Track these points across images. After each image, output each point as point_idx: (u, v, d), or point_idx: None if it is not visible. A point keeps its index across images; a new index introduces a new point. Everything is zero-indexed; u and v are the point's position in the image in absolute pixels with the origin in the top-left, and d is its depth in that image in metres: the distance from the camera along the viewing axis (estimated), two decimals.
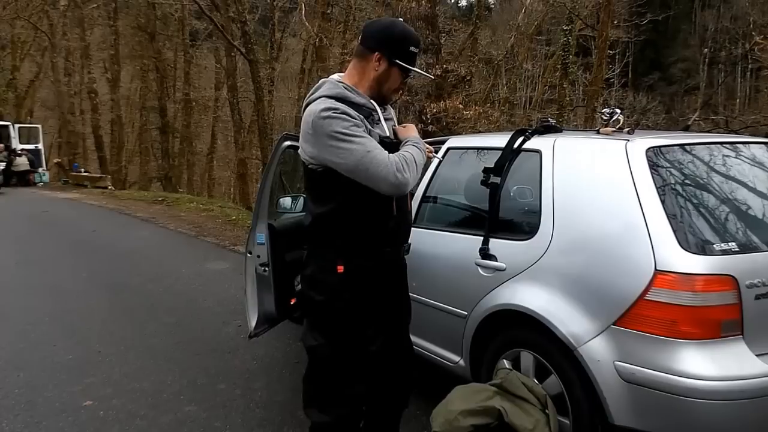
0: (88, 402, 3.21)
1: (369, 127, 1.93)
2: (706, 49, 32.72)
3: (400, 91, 2.15)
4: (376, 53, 1.96)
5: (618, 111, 2.67)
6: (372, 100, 1.99)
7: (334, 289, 1.96)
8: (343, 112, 1.85)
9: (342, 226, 1.96)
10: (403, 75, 2.01)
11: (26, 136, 21.42)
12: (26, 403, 3.19)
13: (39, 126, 23.11)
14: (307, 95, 2.03)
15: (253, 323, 3.26)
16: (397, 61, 1.95)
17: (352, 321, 1.99)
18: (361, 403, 2.08)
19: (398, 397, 2.30)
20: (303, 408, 2.11)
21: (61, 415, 3.06)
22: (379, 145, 1.88)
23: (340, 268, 1.94)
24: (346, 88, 1.96)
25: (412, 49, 1.97)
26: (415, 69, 1.99)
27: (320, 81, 2.07)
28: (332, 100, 1.89)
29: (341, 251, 1.97)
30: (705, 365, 1.95)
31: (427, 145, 2.28)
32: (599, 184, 2.34)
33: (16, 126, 21.29)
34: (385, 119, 2.05)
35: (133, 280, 6.05)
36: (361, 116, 1.91)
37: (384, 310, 2.10)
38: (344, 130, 1.83)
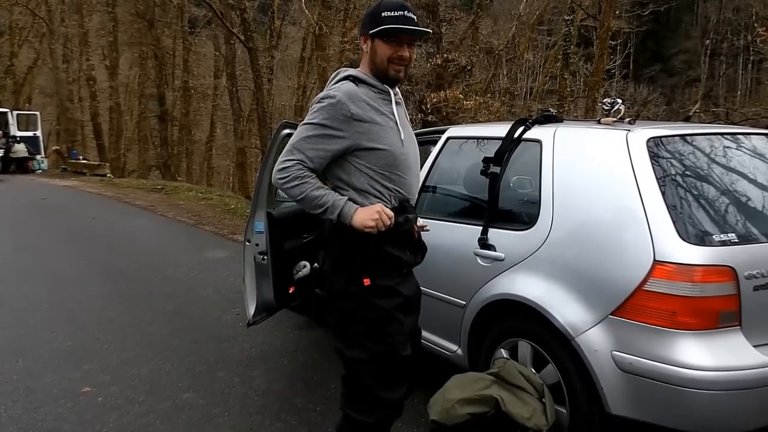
0: (87, 388, 3.22)
1: (377, 106, 1.96)
2: (707, 41, 32.57)
3: (403, 62, 1.99)
4: (361, 37, 2.01)
5: (619, 101, 2.66)
6: (383, 84, 2.00)
7: (363, 299, 1.94)
8: (339, 101, 1.89)
9: (363, 240, 1.94)
10: (390, 41, 1.93)
11: (24, 123, 21.31)
12: (25, 389, 3.20)
13: (37, 113, 22.99)
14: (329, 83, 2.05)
15: (252, 311, 3.26)
16: (372, 31, 1.93)
17: (384, 329, 1.95)
18: (400, 405, 2.03)
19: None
20: (342, 407, 2.06)
21: (60, 401, 3.07)
22: (316, 143, 1.89)
23: (366, 281, 1.93)
24: (362, 72, 2.01)
25: (386, 13, 1.91)
26: (391, 27, 1.89)
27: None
28: (348, 83, 1.95)
29: (366, 265, 1.95)
30: (703, 356, 1.96)
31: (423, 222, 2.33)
32: (599, 175, 2.34)
33: (15, 113, 21.17)
34: (396, 102, 2.04)
35: (131, 267, 6.05)
36: (375, 95, 1.97)
37: (410, 313, 2.07)
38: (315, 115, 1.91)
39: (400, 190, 1.98)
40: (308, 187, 1.89)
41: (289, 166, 1.90)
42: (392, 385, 1.97)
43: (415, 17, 1.96)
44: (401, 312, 1.97)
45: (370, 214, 1.86)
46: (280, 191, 3.45)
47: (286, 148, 1.95)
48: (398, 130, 1.98)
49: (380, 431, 2.02)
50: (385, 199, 1.95)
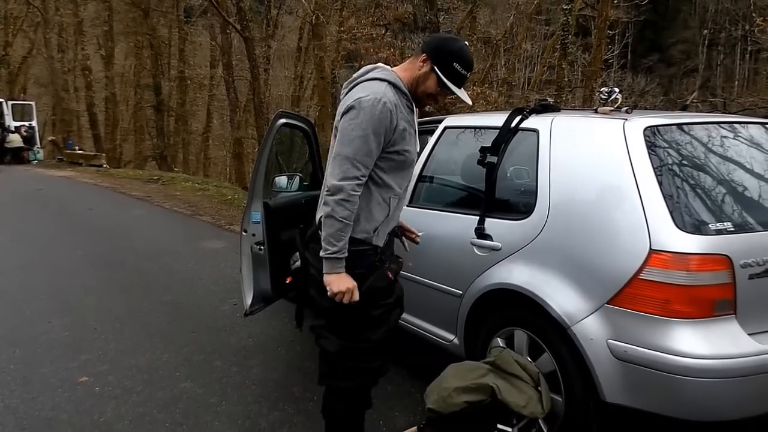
0: (84, 378, 3.22)
1: (406, 114, 2.04)
2: (705, 31, 32.47)
3: (434, 102, 2.21)
4: (424, 54, 2.06)
5: (616, 90, 2.65)
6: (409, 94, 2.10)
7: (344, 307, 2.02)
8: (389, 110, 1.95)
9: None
10: (439, 84, 2.05)
11: (20, 113, 21.13)
12: (22, 379, 3.21)
13: (33, 103, 22.82)
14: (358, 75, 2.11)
15: (249, 301, 3.26)
16: (436, 68, 2.02)
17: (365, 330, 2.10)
18: (378, 375, 2.20)
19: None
20: (319, 380, 2.19)
21: (57, 390, 3.08)
22: (369, 155, 1.94)
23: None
24: (398, 79, 2.07)
25: (456, 66, 2.02)
26: (448, 83, 2.03)
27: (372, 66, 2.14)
28: (388, 87, 2.00)
29: None
30: (698, 344, 1.97)
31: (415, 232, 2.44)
32: (596, 164, 2.34)
33: (10, 103, 21.02)
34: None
35: (128, 258, 6.04)
36: (404, 104, 2.04)
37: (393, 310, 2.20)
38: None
39: (399, 189, 2.10)
40: (352, 220, 1.94)
41: (357, 187, 1.92)
42: (375, 357, 2.12)
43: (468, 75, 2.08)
44: (387, 314, 2.12)
45: (340, 287, 1.93)
46: (277, 181, 3.48)
47: (348, 159, 1.90)
48: (416, 138, 2.12)
49: (361, 395, 2.20)
50: (391, 201, 2.07)
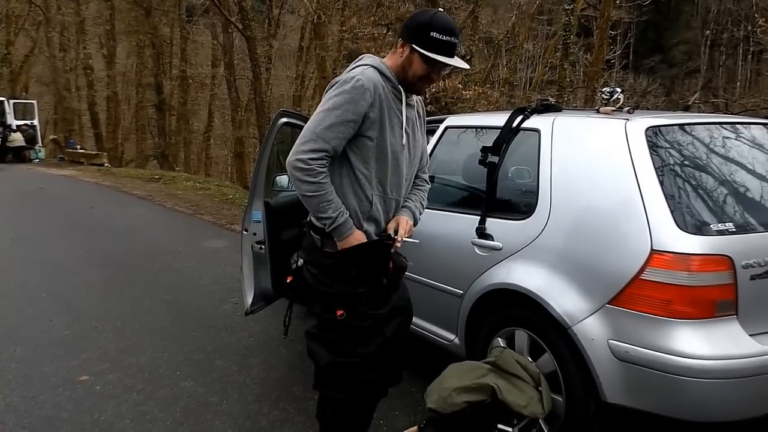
0: (85, 377, 3.22)
1: (391, 103, 1.93)
2: (707, 31, 32.41)
3: (429, 83, 2.04)
4: (401, 39, 1.96)
5: (618, 90, 2.65)
6: (399, 85, 1.98)
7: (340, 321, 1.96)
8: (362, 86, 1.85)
9: None
10: (426, 62, 1.91)
11: (21, 112, 21.15)
12: (23, 378, 3.21)
13: (34, 102, 22.84)
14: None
15: (250, 300, 3.27)
16: (415, 46, 1.89)
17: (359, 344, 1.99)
18: (372, 388, 2.08)
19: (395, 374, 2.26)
20: (314, 385, 2.11)
21: (58, 389, 3.08)
22: (339, 133, 1.84)
23: (339, 312, 1.94)
24: (384, 65, 1.97)
25: (435, 35, 1.86)
26: (433, 55, 1.87)
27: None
28: (372, 71, 1.91)
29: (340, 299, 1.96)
30: (699, 344, 1.96)
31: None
32: (598, 164, 2.33)
33: (11, 102, 21.04)
34: (408, 104, 2.01)
35: (129, 257, 6.04)
36: (389, 90, 1.93)
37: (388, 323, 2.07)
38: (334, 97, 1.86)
39: (381, 186, 1.96)
40: (326, 188, 1.85)
41: (315, 158, 1.82)
42: (368, 370, 2.00)
43: (459, 42, 1.93)
44: (380, 326, 1.99)
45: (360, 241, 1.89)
46: (278, 180, 3.47)
47: (306, 133, 1.85)
48: (402, 130, 1.95)
49: (354, 405, 2.07)
50: (366, 191, 1.93)
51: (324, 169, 1.85)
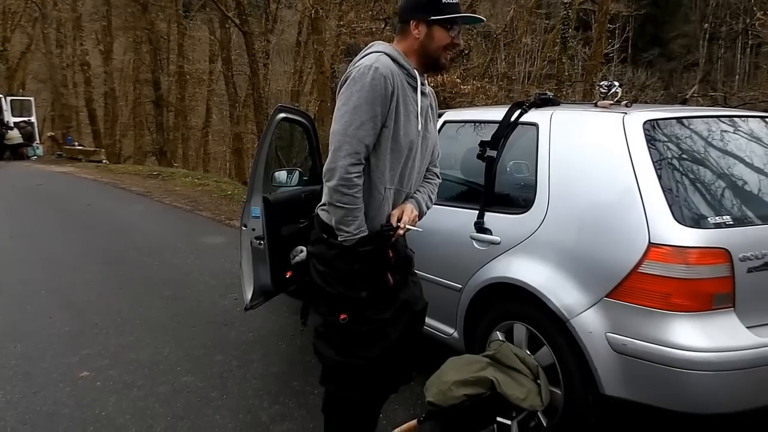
0: (85, 373, 3.23)
1: (407, 91, 1.87)
2: (706, 24, 32.31)
3: (456, 49, 1.94)
4: (412, 21, 1.89)
5: (616, 84, 2.65)
6: (414, 70, 1.91)
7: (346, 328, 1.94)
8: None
9: None
10: (448, 29, 1.88)
11: (18, 109, 21.08)
12: (23, 374, 3.22)
13: (31, 99, 22.74)
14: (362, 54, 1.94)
15: (249, 296, 3.27)
16: (433, 18, 1.85)
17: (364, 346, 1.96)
18: (379, 388, 2.06)
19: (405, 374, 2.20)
20: (320, 381, 2.09)
21: (58, 385, 3.09)
22: (370, 130, 1.77)
23: (343, 316, 1.92)
24: (395, 50, 1.90)
25: (447, 0, 1.84)
26: (456, 15, 1.85)
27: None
28: (385, 57, 1.83)
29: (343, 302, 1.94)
30: (696, 337, 1.97)
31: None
32: (596, 157, 2.34)
33: (8, 99, 20.97)
34: (422, 93, 1.94)
35: (129, 253, 6.04)
36: (404, 77, 1.86)
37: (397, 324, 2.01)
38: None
39: (394, 178, 1.89)
40: (358, 204, 1.79)
41: (354, 163, 1.75)
42: (375, 371, 1.97)
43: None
44: (385, 330, 1.94)
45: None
46: (276, 176, 3.47)
47: (337, 137, 1.76)
48: (417, 119, 1.89)
49: (360, 403, 2.04)
50: (378, 184, 1.86)
51: (360, 181, 1.79)
